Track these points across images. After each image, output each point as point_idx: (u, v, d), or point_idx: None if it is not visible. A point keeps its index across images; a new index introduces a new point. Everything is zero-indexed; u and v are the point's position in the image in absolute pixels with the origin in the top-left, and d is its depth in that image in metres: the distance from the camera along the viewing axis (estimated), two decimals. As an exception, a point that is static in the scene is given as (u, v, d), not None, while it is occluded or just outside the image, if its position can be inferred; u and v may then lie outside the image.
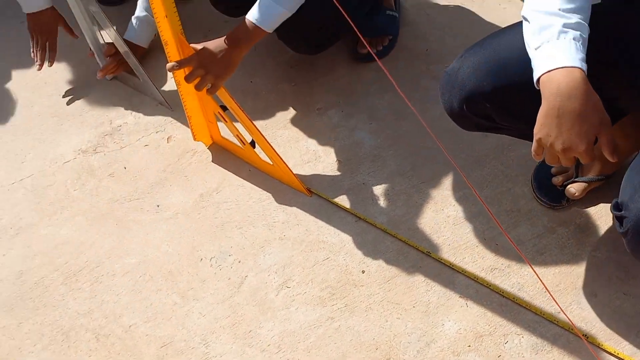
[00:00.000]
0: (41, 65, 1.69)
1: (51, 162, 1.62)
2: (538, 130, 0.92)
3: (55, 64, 1.84)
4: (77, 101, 1.75)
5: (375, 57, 1.14)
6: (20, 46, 1.91)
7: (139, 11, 1.73)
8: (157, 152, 1.61)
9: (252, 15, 1.32)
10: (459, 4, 1.81)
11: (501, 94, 1.05)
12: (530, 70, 0.92)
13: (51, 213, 1.51)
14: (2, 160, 1.63)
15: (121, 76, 1.78)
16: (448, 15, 1.79)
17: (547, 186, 1.38)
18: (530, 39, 0.92)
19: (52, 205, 1.53)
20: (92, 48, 1.72)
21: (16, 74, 1.85)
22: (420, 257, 1.33)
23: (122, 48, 1.65)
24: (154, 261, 1.40)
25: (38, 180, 1.58)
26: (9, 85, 1.82)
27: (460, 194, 1.43)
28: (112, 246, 1.43)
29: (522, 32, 0.96)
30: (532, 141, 0.96)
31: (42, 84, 1.81)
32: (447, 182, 1.45)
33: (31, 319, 1.33)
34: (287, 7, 1.32)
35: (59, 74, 1.83)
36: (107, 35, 1.66)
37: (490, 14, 1.78)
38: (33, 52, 1.69)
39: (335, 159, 1.53)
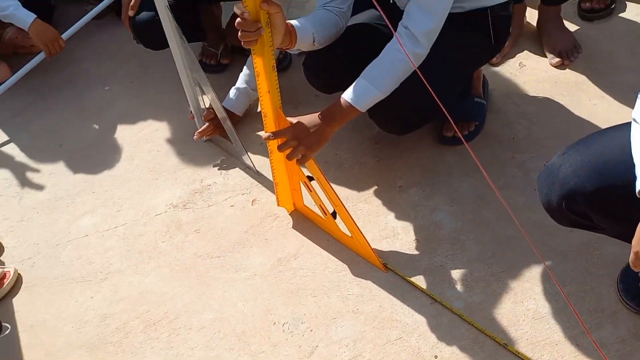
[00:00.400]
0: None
1: (144, 213, 1.73)
2: (637, 243, 0.91)
3: (157, 123, 2.01)
4: (173, 158, 1.88)
5: (463, 140, 1.18)
6: (129, 104, 2.10)
7: (240, 83, 1.87)
8: (242, 213, 1.68)
9: (347, 95, 1.40)
10: (548, 96, 1.83)
11: (603, 195, 1.04)
12: (635, 175, 0.91)
13: (139, 262, 1.60)
14: (101, 207, 1.76)
15: (215, 139, 1.90)
16: (536, 105, 1.81)
17: (634, 289, 1.33)
18: (638, 145, 0.92)
19: (140, 255, 1.62)
20: (193, 111, 1.86)
21: (122, 129, 2.02)
22: (497, 348, 1.30)
23: (220, 114, 1.77)
24: (229, 319, 1.44)
25: (130, 229, 1.69)
26: (115, 138, 1.99)
27: (542, 288, 1.39)
28: (191, 300, 1.49)
29: (629, 134, 0.96)
30: (626, 241, 0.94)
31: (143, 140, 1.97)
32: (528, 274, 1.42)
33: (110, 363, 1.39)
34: (382, 90, 1.39)
35: (159, 132, 1.98)
36: (208, 101, 1.79)
37: (579, 109, 1.78)
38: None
39: (413, 237, 1.54)
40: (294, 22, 1.41)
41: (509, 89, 1.87)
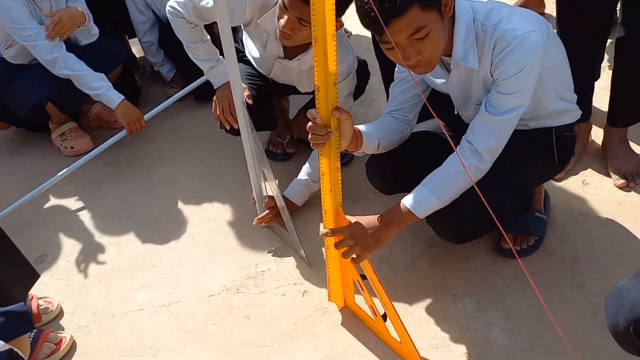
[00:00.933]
0: (227, 125, 1.93)
1: (198, 293, 1.77)
2: None
3: (219, 205, 2.10)
4: (231, 241, 1.95)
5: (517, 256, 1.17)
6: (196, 184, 2.20)
7: (302, 175, 1.95)
8: (292, 303, 1.70)
9: (407, 201, 1.43)
10: (612, 217, 1.80)
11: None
12: None
13: (187, 342, 1.63)
14: (158, 282, 1.83)
15: (273, 227, 1.96)
16: (599, 226, 1.78)
17: None
18: None
19: (190, 334, 1.65)
20: (255, 197, 1.94)
21: (187, 207, 2.11)
22: None
23: (280, 203, 1.83)
24: (269, 415, 1.42)
25: (184, 307, 1.73)
26: (180, 215, 2.08)
27: None
28: (234, 389, 1.49)
29: None
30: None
31: (205, 219, 2.05)
32: (584, 406, 1.35)
33: None
34: (442, 199, 1.42)
35: (221, 213, 2.06)
36: (270, 189, 1.87)
37: (645, 233, 1.74)
38: (218, 116, 1.94)
39: (464, 350, 1.50)
40: (360, 127, 1.48)
41: (570, 206, 1.85)
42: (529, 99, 1.37)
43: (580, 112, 1.59)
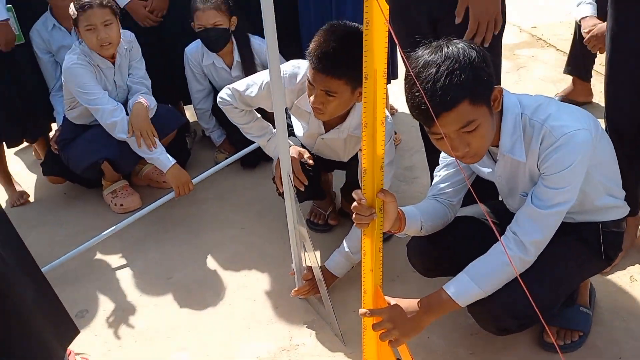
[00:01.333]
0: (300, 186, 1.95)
1: (231, 362, 1.77)
2: None
3: (258, 273, 2.12)
4: (268, 310, 1.95)
5: (559, 352, 1.14)
6: (237, 250, 2.24)
7: (343, 247, 1.96)
8: (325, 382, 1.67)
9: (449, 288, 1.42)
10: (662, 319, 1.73)
11: None
12: None
13: (216, 414, 1.61)
14: (192, 347, 1.83)
15: (310, 299, 1.95)
16: (648, 327, 1.72)
17: None
18: None
19: (219, 407, 1.63)
20: (294, 268, 1.95)
21: (226, 272, 2.14)
22: None
23: (318, 276, 1.84)
24: None
25: (215, 377, 1.73)
26: (219, 280, 2.11)
27: None
28: None
29: None
30: None
31: (243, 286, 2.07)
32: None
33: None
34: (484, 289, 1.40)
35: (260, 282, 2.08)
36: (309, 260, 1.88)
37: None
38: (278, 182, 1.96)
39: None
40: (404, 209, 1.50)
41: (617, 302, 1.79)
42: (575, 194, 1.37)
43: (629, 208, 1.57)
